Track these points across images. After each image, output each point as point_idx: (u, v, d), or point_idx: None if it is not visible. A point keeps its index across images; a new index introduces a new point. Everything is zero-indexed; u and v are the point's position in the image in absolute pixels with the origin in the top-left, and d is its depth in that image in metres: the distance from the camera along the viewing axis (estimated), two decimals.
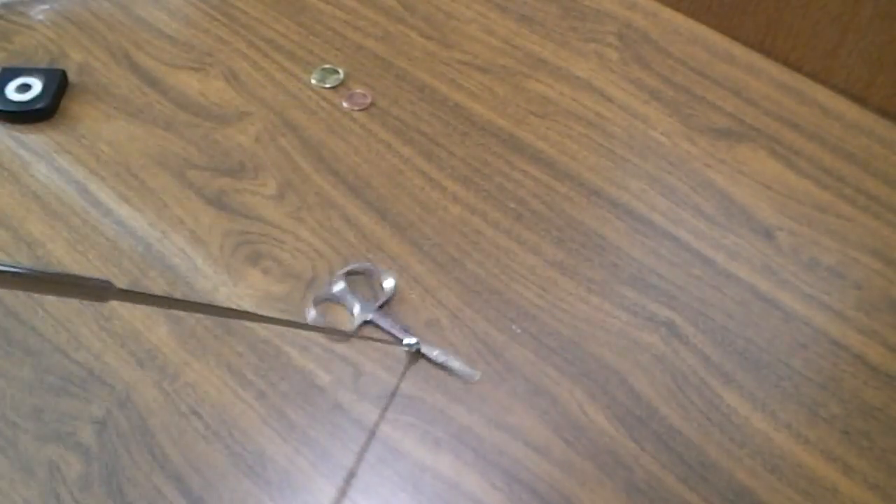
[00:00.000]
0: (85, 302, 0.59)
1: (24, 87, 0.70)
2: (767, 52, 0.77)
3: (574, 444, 0.54)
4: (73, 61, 0.74)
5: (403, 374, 0.56)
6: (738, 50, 0.77)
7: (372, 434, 0.54)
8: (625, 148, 0.69)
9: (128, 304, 0.58)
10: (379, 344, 0.57)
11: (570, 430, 0.54)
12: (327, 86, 0.73)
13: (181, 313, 0.58)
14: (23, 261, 0.61)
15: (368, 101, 0.72)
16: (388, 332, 0.58)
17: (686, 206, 0.66)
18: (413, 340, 0.57)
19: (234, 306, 0.59)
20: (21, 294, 0.59)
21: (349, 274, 0.60)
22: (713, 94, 0.74)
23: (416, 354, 0.57)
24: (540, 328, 0.59)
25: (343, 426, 0.54)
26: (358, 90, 0.73)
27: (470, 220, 0.64)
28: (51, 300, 0.59)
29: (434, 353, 0.57)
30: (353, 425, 0.54)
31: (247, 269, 0.61)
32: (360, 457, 0.53)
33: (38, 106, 0.69)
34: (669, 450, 0.54)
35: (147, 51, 0.75)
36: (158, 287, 0.59)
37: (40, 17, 0.78)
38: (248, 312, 0.48)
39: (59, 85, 0.70)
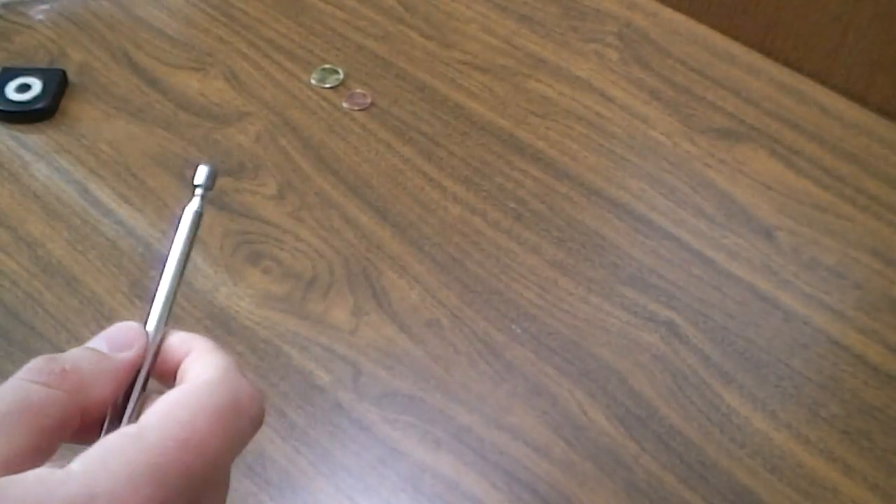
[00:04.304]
0: (85, 302, 0.59)
1: (24, 87, 0.70)
2: (767, 52, 0.77)
3: (574, 444, 0.54)
4: (73, 61, 0.74)
5: None
6: (738, 50, 0.77)
7: (372, 434, 0.54)
8: (625, 148, 0.69)
9: (129, 306, 0.59)
10: (380, 343, 0.57)
11: (570, 430, 0.54)
12: (327, 86, 0.73)
13: (181, 313, 0.58)
14: (23, 261, 0.61)
15: (368, 101, 0.72)
16: None
17: (686, 206, 0.66)
18: None
19: (234, 306, 0.59)
20: (21, 294, 0.59)
21: None
22: (713, 94, 0.74)
23: None
24: (540, 328, 0.59)
25: (343, 426, 0.54)
26: (358, 90, 0.73)
27: (470, 220, 0.64)
28: (51, 300, 0.59)
29: None
30: (353, 425, 0.54)
31: (247, 269, 0.61)
32: (360, 457, 0.53)
33: (38, 106, 0.69)
34: (669, 450, 0.54)
35: (147, 51, 0.75)
36: None
37: (40, 17, 0.78)
38: None
39: (59, 85, 0.70)
